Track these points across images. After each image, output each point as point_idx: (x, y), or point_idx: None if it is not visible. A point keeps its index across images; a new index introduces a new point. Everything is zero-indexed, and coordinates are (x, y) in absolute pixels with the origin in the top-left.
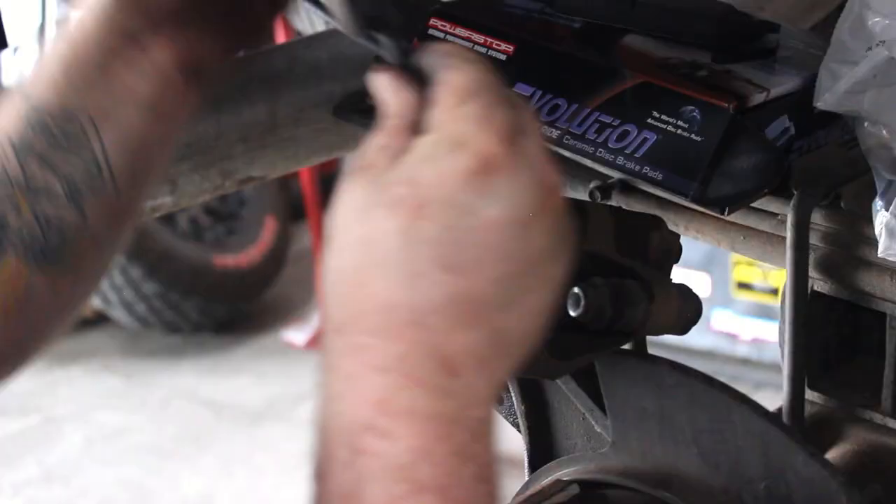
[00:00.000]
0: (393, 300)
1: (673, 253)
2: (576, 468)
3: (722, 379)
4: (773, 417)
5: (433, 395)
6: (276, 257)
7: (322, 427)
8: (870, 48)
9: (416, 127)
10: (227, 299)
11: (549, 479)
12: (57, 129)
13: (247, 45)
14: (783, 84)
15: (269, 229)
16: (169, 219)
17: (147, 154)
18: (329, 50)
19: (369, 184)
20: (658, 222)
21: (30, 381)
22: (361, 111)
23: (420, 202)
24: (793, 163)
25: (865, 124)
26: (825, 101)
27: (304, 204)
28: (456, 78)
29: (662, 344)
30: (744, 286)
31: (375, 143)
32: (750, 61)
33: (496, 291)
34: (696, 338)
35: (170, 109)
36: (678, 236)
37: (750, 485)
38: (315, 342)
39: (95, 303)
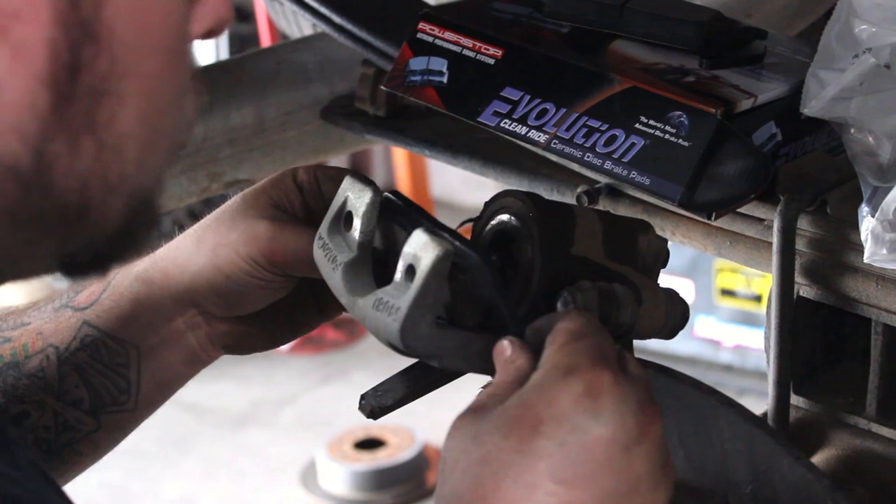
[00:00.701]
0: None
1: (661, 257)
2: None
3: None
4: (759, 421)
5: None
6: None
7: None
8: (856, 55)
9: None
10: None
11: None
12: (105, 350)
13: (281, 344)
14: (770, 90)
15: None
16: None
17: (172, 388)
18: (316, 53)
19: (483, 416)
20: (646, 226)
21: None
22: (349, 114)
23: (534, 421)
24: (779, 168)
25: (852, 131)
26: (812, 107)
27: None
28: (566, 323)
29: (645, 349)
30: (727, 293)
31: (486, 392)
32: (737, 67)
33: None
34: (679, 344)
35: (203, 363)
36: (665, 241)
37: (736, 488)
38: (298, 346)
39: None
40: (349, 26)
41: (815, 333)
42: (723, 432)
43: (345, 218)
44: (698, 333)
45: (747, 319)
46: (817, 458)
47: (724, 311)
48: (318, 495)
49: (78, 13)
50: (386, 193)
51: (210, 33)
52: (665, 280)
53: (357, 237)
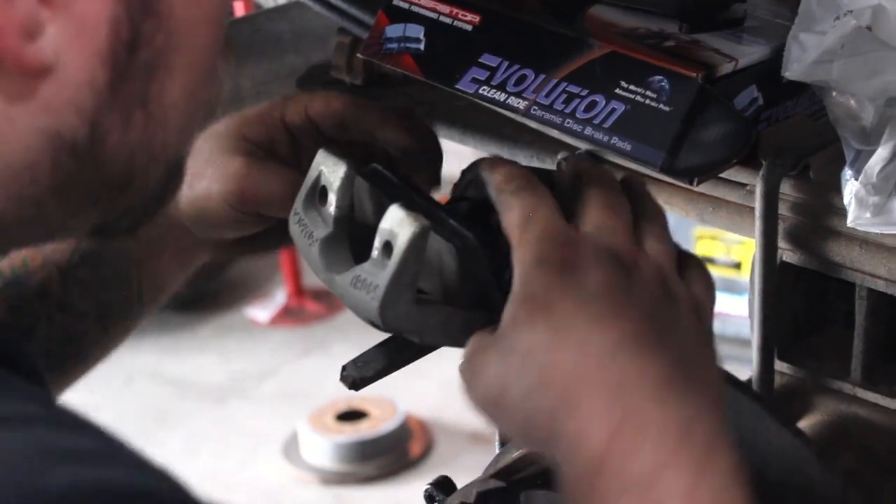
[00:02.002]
0: (581, 353)
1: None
2: None
3: None
4: (744, 387)
5: (653, 416)
6: None
7: (560, 463)
8: (837, 17)
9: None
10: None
11: (520, 451)
12: (105, 265)
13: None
14: (751, 54)
15: None
16: None
17: (171, 289)
18: (291, 22)
19: (492, 343)
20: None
21: None
22: (326, 83)
23: (544, 308)
24: (761, 133)
25: (833, 94)
26: (793, 70)
27: None
28: (508, 218)
29: None
30: (707, 260)
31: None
32: (717, 31)
33: (648, 325)
34: None
35: (197, 263)
36: (642, 181)
37: None
38: (278, 319)
39: None
40: None
41: (799, 299)
42: None
43: (319, 192)
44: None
45: (727, 287)
46: (803, 424)
47: None
48: (301, 468)
49: None
50: (373, 164)
51: None
52: None
53: (332, 212)
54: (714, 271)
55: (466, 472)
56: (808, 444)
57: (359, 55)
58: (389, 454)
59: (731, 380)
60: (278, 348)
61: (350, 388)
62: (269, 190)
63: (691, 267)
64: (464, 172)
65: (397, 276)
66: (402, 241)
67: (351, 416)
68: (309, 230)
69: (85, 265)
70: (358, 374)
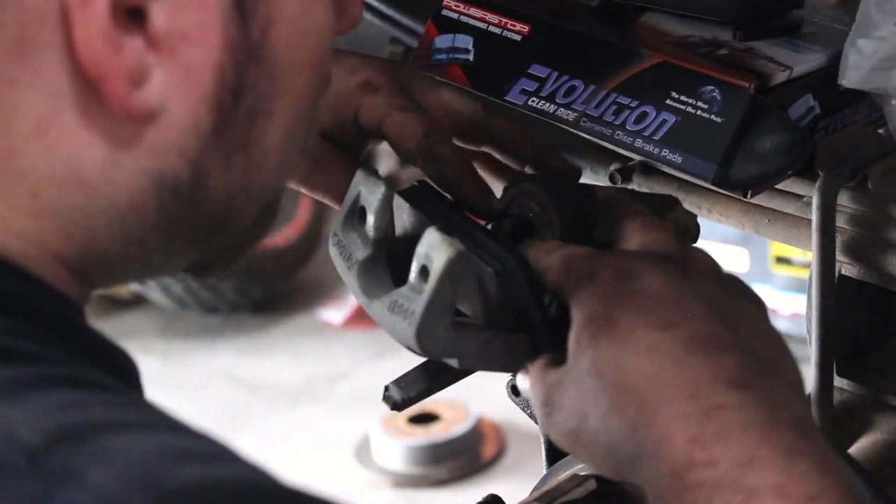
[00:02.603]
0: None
1: (690, 233)
2: None
3: None
4: None
5: (734, 411)
6: (312, 236)
7: (646, 480)
8: None
9: None
10: (263, 279)
11: (567, 473)
12: None
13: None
14: (807, 62)
15: (304, 208)
16: None
17: None
18: None
19: (558, 369)
20: (673, 203)
21: None
22: None
23: (606, 321)
24: (818, 143)
25: (893, 102)
26: (850, 78)
27: None
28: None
29: None
30: (782, 261)
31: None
32: (773, 38)
33: (714, 323)
34: None
35: None
36: (695, 216)
37: None
38: (351, 321)
39: (132, 285)
40: (376, 3)
41: (860, 313)
42: None
43: (358, 213)
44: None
45: (803, 287)
46: (861, 443)
47: (780, 279)
48: (373, 470)
49: (247, 37)
50: (414, 182)
51: (342, 31)
52: (720, 249)
53: (371, 234)
54: (790, 272)
55: (538, 475)
56: (860, 472)
57: None
58: (461, 457)
59: None
60: (351, 350)
61: (392, 409)
62: (328, 184)
63: (733, 278)
64: (506, 189)
65: (433, 302)
66: (437, 266)
67: (423, 418)
68: (348, 252)
69: None
70: (400, 396)
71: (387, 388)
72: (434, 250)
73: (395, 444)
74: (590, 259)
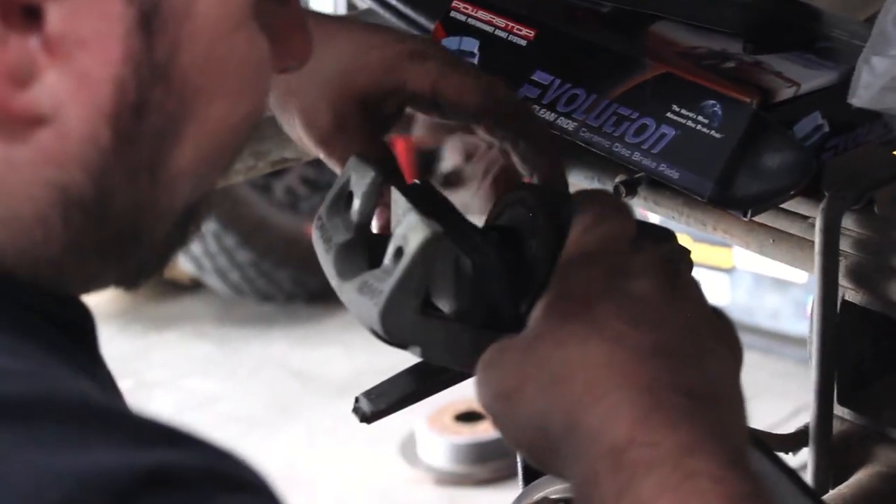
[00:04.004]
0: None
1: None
2: (567, 485)
3: None
4: (765, 448)
5: (684, 412)
6: None
7: (577, 456)
8: None
9: None
10: (319, 270)
11: (538, 496)
12: None
13: None
14: (817, 78)
15: None
16: (265, 188)
17: None
18: None
19: (517, 345)
20: (668, 235)
21: (125, 344)
22: None
23: (578, 308)
24: (826, 162)
25: None
26: (860, 97)
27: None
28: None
29: (758, 331)
30: None
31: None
32: (785, 53)
33: (682, 341)
34: (790, 323)
35: None
36: (688, 251)
37: None
38: None
39: (190, 269)
40: (394, 2)
41: (864, 340)
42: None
43: (346, 198)
44: (810, 313)
45: None
46: (859, 475)
47: None
48: (417, 467)
49: (152, 55)
50: (415, 181)
51: (286, 70)
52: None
53: (355, 218)
54: None
55: None
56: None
57: None
58: (506, 457)
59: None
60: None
61: (361, 421)
62: (344, 151)
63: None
64: (501, 198)
65: (403, 281)
66: (412, 246)
67: (470, 416)
68: (328, 235)
69: None
70: (370, 408)
71: (357, 400)
72: (411, 230)
73: (441, 441)
74: (595, 247)
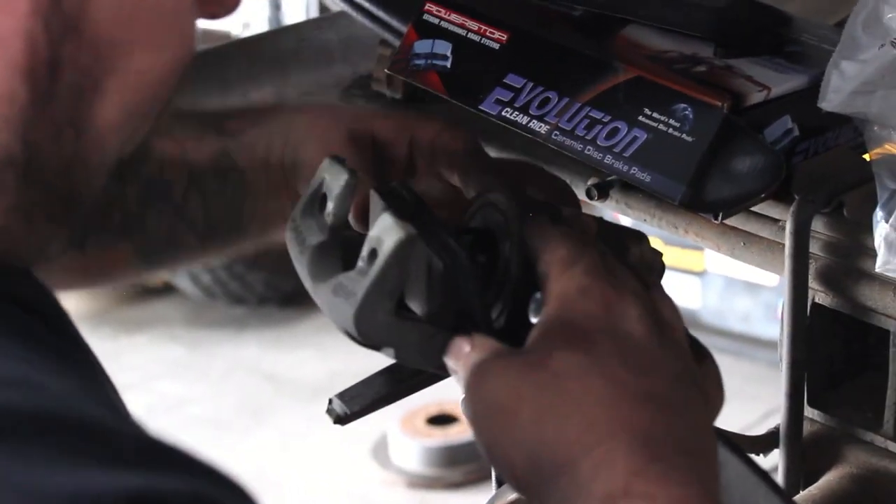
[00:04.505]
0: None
1: (654, 269)
2: None
3: None
4: (738, 449)
5: (677, 464)
6: None
7: (566, 498)
8: (883, 45)
9: None
10: (292, 272)
11: (511, 498)
12: (231, 182)
13: None
14: (787, 82)
15: None
16: None
17: (264, 233)
18: (339, 32)
19: (508, 369)
20: (639, 237)
21: (95, 347)
22: (369, 95)
23: (576, 340)
24: (796, 166)
25: (875, 127)
26: (830, 101)
27: None
28: (556, 253)
29: (730, 334)
30: None
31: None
32: (755, 57)
33: (671, 390)
34: (761, 326)
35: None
36: (660, 254)
37: None
38: None
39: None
40: (367, 4)
41: (834, 342)
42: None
43: (320, 200)
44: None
45: None
46: (829, 477)
47: None
48: (389, 470)
49: (59, 7)
50: (393, 183)
51: (214, 15)
52: None
53: (329, 220)
54: None
55: None
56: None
57: (386, 70)
58: (478, 460)
59: (725, 440)
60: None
61: (335, 423)
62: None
63: (704, 359)
64: (473, 200)
65: (377, 283)
66: (386, 248)
67: (442, 420)
68: (302, 237)
69: (210, 178)
70: (343, 410)
71: (330, 401)
72: (385, 232)
73: (412, 444)
74: (594, 276)
